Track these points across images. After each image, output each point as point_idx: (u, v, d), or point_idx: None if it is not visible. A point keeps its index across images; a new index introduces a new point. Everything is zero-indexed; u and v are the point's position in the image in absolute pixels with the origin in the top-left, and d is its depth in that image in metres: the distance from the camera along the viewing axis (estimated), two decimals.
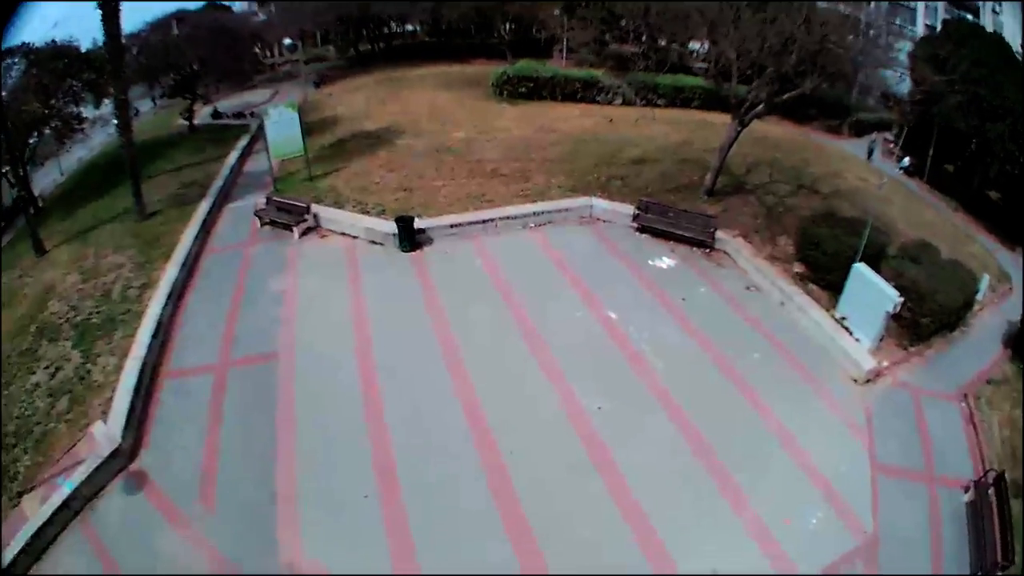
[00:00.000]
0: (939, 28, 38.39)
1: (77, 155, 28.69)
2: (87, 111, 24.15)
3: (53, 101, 21.29)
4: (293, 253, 16.68)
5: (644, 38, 19.95)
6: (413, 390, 11.89)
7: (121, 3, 17.02)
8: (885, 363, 13.16)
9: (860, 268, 13.61)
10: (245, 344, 13.28)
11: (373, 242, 16.81)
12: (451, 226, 16.92)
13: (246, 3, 49.17)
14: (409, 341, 13.16)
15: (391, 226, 16.38)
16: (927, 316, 13.96)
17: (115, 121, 20.26)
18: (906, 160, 31.53)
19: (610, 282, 15.11)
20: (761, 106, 16.92)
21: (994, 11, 43.13)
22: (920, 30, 40.41)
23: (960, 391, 13.14)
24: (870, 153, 32.27)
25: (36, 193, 23.60)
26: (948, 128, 27.01)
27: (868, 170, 26.21)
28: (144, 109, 35.79)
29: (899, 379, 13.07)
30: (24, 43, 20.53)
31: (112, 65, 18.55)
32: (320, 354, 12.86)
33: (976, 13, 43.77)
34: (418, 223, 16.55)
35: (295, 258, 16.45)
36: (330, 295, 14.82)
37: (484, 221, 17.15)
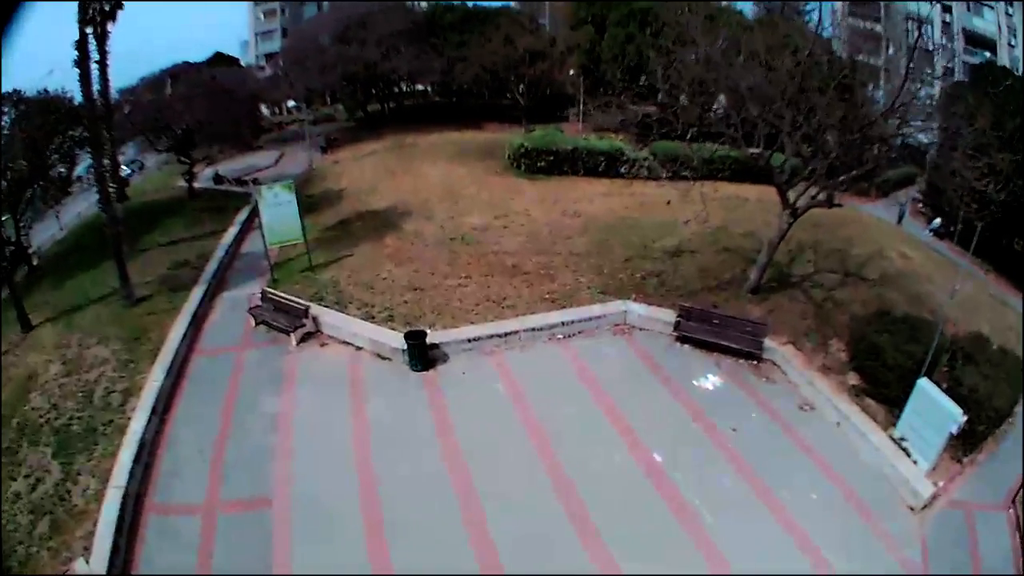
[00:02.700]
0: (966, 74, 37.60)
1: (77, 209, 26.95)
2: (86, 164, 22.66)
3: (41, 160, 19.13)
4: (290, 364, 14.98)
5: (668, 99, 18.33)
6: (424, 551, 10.21)
7: (108, 62, 15.59)
8: (940, 483, 12.05)
9: (924, 385, 12.36)
10: (236, 482, 11.75)
11: (380, 355, 14.98)
12: (468, 340, 15.00)
13: (253, 58, 48.67)
14: (420, 488, 11.39)
15: (399, 339, 14.49)
16: (983, 424, 13.18)
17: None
18: (937, 221, 30.55)
19: (652, 412, 13.22)
20: (820, 195, 15.53)
21: (1010, 44, 42.48)
22: (937, 70, 39.70)
23: (1009, 495, 12.35)
24: (900, 217, 31.14)
25: (33, 249, 22.03)
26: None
27: (906, 241, 24.69)
28: (149, 164, 34.70)
29: (952, 497, 12.01)
30: (15, 90, 18.52)
31: (91, 132, 17.01)
32: (319, 501, 11.22)
33: (993, 49, 43.14)
34: (431, 336, 14.66)
35: (292, 371, 14.72)
36: (331, 424, 13.02)
37: (506, 334, 15.18)
